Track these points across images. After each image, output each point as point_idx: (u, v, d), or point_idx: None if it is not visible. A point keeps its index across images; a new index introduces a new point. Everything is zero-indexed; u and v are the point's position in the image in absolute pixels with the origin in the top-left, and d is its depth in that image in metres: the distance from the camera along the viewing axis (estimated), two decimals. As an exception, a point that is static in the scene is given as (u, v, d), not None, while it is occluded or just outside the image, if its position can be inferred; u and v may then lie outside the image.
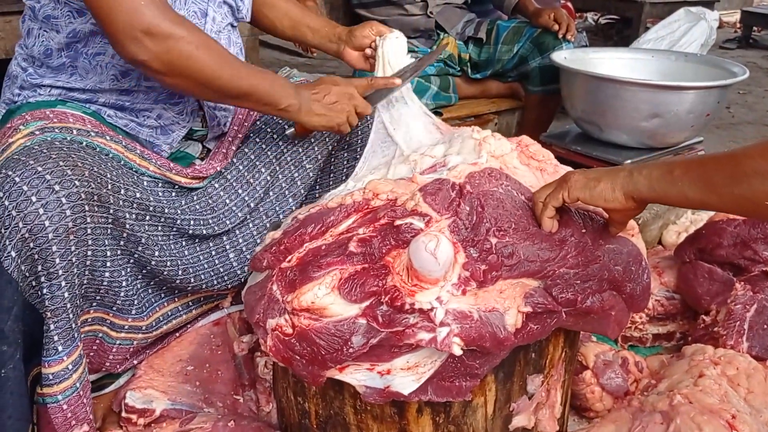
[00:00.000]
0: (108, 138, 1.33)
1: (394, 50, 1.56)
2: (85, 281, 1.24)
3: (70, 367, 1.19)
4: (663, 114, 2.05)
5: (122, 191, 1.28)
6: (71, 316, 1.18)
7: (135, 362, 1.49)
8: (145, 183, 1.39)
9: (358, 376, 1.08)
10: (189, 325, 1.59)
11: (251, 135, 1.62)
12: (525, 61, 2.67)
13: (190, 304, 1.54)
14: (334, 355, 1.05)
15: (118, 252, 1.30)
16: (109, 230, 1.26)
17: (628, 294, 1.20)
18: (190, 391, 1.48)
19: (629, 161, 2.12)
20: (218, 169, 1.54)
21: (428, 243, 1.01)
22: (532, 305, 1.08)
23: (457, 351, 1.02)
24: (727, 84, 2.07)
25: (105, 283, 1.29)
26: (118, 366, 1.44)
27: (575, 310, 1.13)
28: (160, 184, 1.43)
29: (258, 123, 1.62)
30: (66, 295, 1.15)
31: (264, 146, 1.60)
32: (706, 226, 1.74)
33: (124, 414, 1.41)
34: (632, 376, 1.48)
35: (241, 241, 1.56)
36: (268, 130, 1.61)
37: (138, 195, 1.32)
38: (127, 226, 1.29)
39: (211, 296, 1.58)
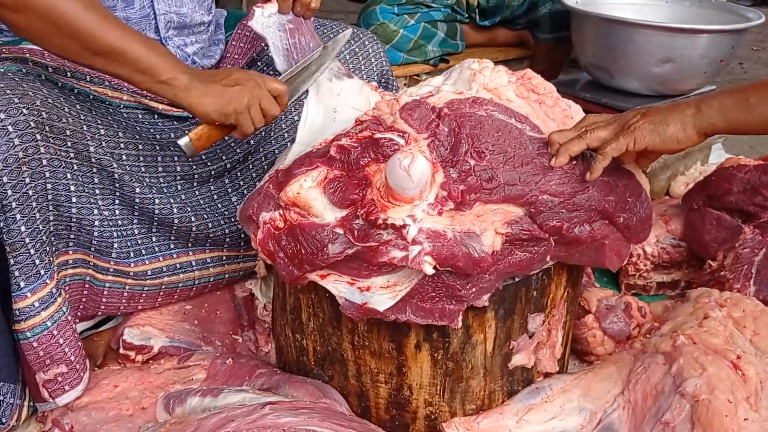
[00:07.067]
0: (70, 74, 1.28)
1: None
2: (51, 217, 1.20)
3: (36, 304, 1.16)
4: (676, 59, 1.99)
5: (84, 127, 1.23)
6: (32, 251, 1.14)
7: (139, 307, 1.43)
8: (124, 114, 1.34)
9: (339, 287, 1.09)
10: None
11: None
12: (535, 7, 2.61)
13: (208, 260, 1.46)
14: (311, 258, 1.06)
15: (92, 188, 1.26)
16: (73, 164, 1.22)
17: (622, 225, 1.16)
18: (188, 329, 1.48)
19: (639, 108, 2.07)
20: None
21: (403, 160, 1.00)
22: (517, 231, 1.07)
23: (429, 270, 1.02)
24: (742, 28, 2.01)
25: (74, 220, 1.25)
26: (117, 310, 1.41)
27: (563, 239, 1.11)
28: (140, 115, 1.38)
29: (263, 59, 1.56)
30: (23, 229, 1.12)
31: None
32: (715, 173, 1.70)
33: (122, 351, 1.40)
34: (635, 320, 1.45)
35: (241, 183, 1.53)
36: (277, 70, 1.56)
37: (103, 131, 1.27)
38: (93, 159, 1.25)
39: (236, 256, 1.50)
